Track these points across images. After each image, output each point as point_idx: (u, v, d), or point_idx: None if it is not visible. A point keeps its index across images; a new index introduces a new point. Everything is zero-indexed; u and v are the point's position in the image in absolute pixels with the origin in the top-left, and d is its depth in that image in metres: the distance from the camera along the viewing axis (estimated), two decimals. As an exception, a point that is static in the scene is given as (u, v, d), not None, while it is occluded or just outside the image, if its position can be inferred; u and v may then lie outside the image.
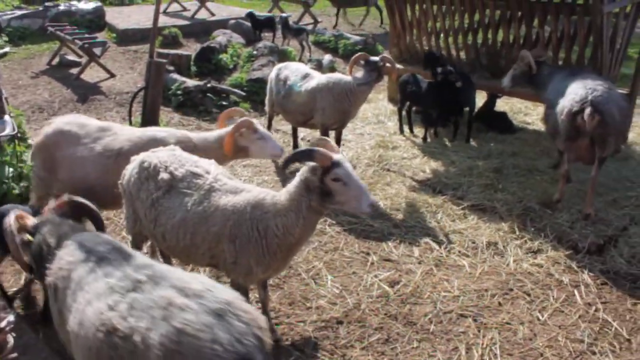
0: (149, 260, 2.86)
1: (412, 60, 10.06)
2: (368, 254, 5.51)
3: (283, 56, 11.56)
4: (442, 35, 9.58)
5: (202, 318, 2.35)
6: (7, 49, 13.14)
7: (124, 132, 5.09)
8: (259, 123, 5.18)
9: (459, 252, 5.45)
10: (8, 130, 6.66)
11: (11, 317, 1.72)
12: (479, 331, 4.48)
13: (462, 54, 9.40)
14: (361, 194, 3.48)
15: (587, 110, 5.59)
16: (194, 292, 2.47)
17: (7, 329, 1.70)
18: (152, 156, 4.20)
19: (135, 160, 4.30)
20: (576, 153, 6.07)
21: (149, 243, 5.02)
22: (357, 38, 13.93)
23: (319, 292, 4.96)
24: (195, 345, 2.27)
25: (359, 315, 4.64)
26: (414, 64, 9.87)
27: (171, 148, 4.39)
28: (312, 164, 3.50)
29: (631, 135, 8.38)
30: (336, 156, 3.51)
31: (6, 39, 13.69)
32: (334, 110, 6.85)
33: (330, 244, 5.69)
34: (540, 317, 4.65)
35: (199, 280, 2.61)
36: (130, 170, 4.25)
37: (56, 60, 12.40)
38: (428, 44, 9.81)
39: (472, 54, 9.20)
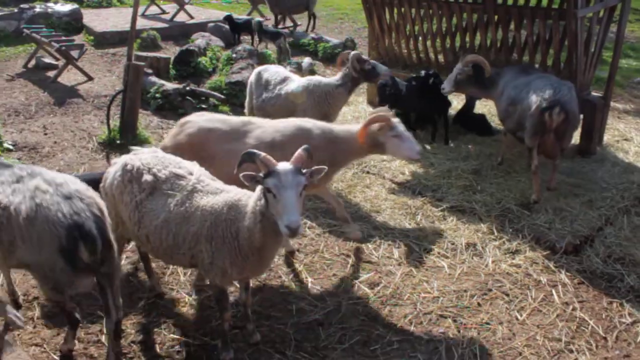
0: (30, 166, 3.90)
1: (391, 63, 10.12)
2: (348, 256, 5.53)
3: (262, 59, 11.55)
4: (420, 38, 9.65)
5: (55, 198, 3.55)
6: (-19, 52, 12.94)
7: (269, 124, 5.16)
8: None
9: (439, 253, 5.49)
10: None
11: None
12: (458, 331, 4.52)
13: (441, 58, 9.48)
14: (284, 211, 3.32)
15: (556, 109, 6.04)
16: (56, 183, 3.64)
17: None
18: (135, 158, 4.19)
19: (117, 163, 4.28)
20: (542, 147, 6.41)
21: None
22: (337, 41, 13.97)
23: (299, 294, 4.96)
24: (46, 214, 3.47)
25: (340, 317, 4.65)
26: (393, 66, 9.92)
27: (153, 150, 4.38)
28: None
29: (606, 137, 8.52)
30: (280, 166, 3.44)
31: (-20, 41, 13.48)
32: (314, 112, 6.86)
33: (311, 246, 5.69)
34: (519, 317, 4.71)
35: (66, 178, 3.74)
36: (112, 173, 4.24)
37: (32, 63, 12.24)
38: (407, 47, 9.88)
39: (451, 57, 9.28)
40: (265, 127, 5.11)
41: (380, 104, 8.79)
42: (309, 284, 5.07)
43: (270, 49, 13.10)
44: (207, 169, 4.88)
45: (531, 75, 6.83)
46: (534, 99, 6.24)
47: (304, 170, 3.50)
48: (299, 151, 3.59)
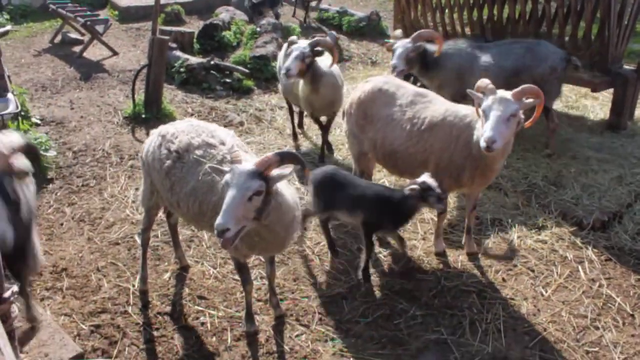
0: None
1: (417, 36, 9.96)
2: (372, 230, 5.51)
3: (287, 33, 11.44)
4: (447, 10, 9.46)
5: None
6: (8, 27, 13.01)
7: (436, 103, 4.89)
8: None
9: (464, 228, 5.44)
10: (11, 108, 6.66)
11: (15, 288, 1.75)
12: (482, 306, 4.50)
13: (467, 30, 9.29)
14: (221, 211, 3.23)
15: (577, 62, 6.69)
16: None
17: (11, 299, 1.72)
18: (170, 127, 4.24)
19: (154, 132, 4.34)
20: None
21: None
22: (362, 14, 13.78)
23: (323, 268, 4.98)
24: None
25: (363, 291, 4.67)
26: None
27: (188, 119, 4.42)
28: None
29: (637, 112, 8.32)
30: (241, 165, 3.35)
31: (7, 17, 13.59)
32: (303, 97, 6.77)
33: (335, 220, 5.68)
34: (544, 293, 4.67)
35: None
36: (149, 142, 4.31)
37: (58, 38, 12.33)
38: (433, 19, 9.70)
39: (477, 30, 9.10)
40: (431, 105, 4.86)
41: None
42: (334, 258, 5.08)
43: (292, 21, 12.96)
44: (369, 128, 5.04)
45: (501, 43, 7.06)
46: (548, 62, 6.59)
47: (269, 175, 3.32)
48: (269, 155, 3.34)
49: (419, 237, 5.43)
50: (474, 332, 4.23)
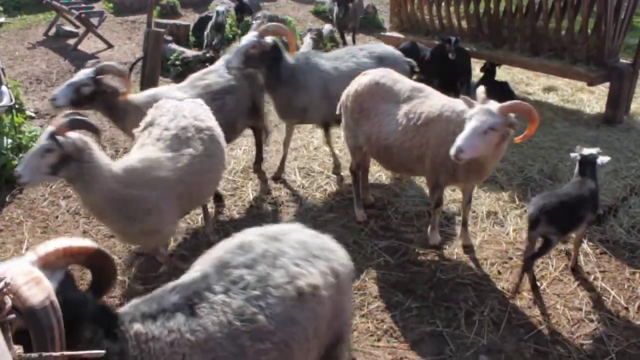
0: None
1: (413, 29, 9.95)
2: (368, 222, 5.51)
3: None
4: (443, 4, 9.44)
5: None
6: (2, 19, 12.98)
7: (433, 98, 4.81)
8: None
9: (459, 221, 5.44)
10: (5, 101, 6.60)
11: (7, 279, 1.72)
12: (478, 299, 4.50)
13: (464, 24, 9.28)
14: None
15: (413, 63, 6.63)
16: None
17: (4, 290, 1.70)
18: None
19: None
20: None
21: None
22: (358, 8, 13.73)
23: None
24: None
25: (359, 283, 4.67)
26: (415, 33, 9.76)
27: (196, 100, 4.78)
28: None
29: (633, 106, 8.33)
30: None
31: (1, 9, 13.51)
32: None
33: (330, 213, 5.69)
34: (539, 286, 4.67)
35: None
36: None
37: (53, 30, 12.27)
38: (429, 13, 9.68)
39: (474, 24, 9.09)
40: (427, 100, 4.81)
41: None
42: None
43: (293, 16, 12.93)
44: (364, 122, 5.05)
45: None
46: None
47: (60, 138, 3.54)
48: (61, 119, 3.65)
49: (415, 230, 5.43)
50: (469, 325, 4.24)
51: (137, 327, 2.24)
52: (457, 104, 4.60)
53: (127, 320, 2.26)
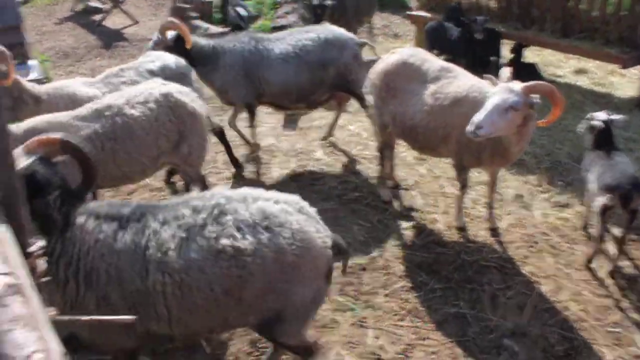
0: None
1: (439, 8, 9.77)
2: (393, 202, 5.48)
3: (309, 3, 11.28)
4: (472, -18, 9.25)
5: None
6: (29, -6, 13.08)
7: (461, 78, 4.74)
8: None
9: (485, 203, 5.38)
10: (35, 75, 6.68)
11: (40, 242, 1.78)
12: (503, 282, 4.47)
13: (493, 3, 9.09)
14: None
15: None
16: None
17: (38, 253, 1.74)
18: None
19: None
20: None
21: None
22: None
23: (343, 238, 4.94)
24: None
25: (383, 263, 4.66)
26: (442, 12, 9.59)
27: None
28: None
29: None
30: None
31: (29, -16, 13.59)
32: None
33: (355, 192, 5.67)
34: (566, 271, 4.61)
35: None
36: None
37: (80, 6, 12.32)
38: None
39: (504, 3, 8.90)
40: (456, 80, 4.71)
41: (429, 51, 8.58)
42: (354, 229, 5.07)
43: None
44: (390, 101, 5.00)
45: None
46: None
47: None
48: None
49: (440, 210, 5.38)
50: (493, 307, 4.21)
51: (84, 218, 2.85)
52: (484, 85, 4.53)
53: (82, 210, 2.89)
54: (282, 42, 6.01)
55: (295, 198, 3.08)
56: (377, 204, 5.46)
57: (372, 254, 4.76)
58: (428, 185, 5.80)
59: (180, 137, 4.42)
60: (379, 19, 12.20)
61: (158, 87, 4.42)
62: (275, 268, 2.85)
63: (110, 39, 10.45)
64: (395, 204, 5.47)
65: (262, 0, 12.14)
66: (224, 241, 2.78)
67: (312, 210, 3.11)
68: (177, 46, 5.63)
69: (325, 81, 6.06)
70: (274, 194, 3.05)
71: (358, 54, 6.20)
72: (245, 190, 3.07)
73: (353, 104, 6.90)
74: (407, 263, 4.66)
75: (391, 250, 4.80)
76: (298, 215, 2.95)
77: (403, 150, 6.34)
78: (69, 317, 1.79)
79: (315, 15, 8.78)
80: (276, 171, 6.10)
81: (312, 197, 5.55)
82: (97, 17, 11.67)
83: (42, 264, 1.87)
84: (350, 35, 6.28)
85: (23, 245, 1.80)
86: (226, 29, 9.75)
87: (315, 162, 6.27)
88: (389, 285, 4.42)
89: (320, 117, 7.24)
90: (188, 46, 5.66)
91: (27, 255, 1.79)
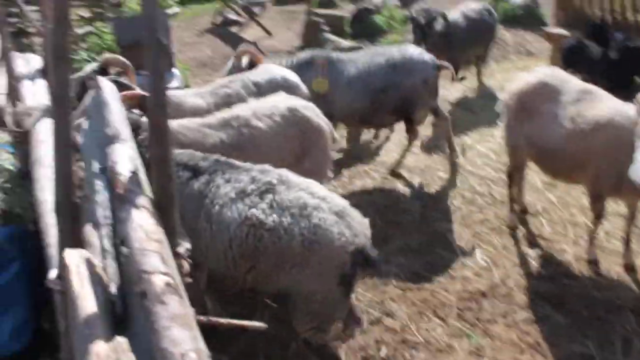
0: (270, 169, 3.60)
1: (578, 24, 9.24)
2: (519, 228, 5.27)
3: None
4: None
5: (331, 217, 3.22)
6: (176, 10, 14.09)
7: (604, 101, 4.51)
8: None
9: (621, 237, 5.01)
10: (177, 83, 7.21)
11: (188, 244, 1.96)
12: (638, 326, 4.13)
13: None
14: None
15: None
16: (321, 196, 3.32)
17: (185, 254, 1.91)
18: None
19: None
20: None
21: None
22: (519, 0, 13.05)
23: (465, 262, 4.86)
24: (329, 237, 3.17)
25: (506, 290, 4.49)
26: (582, 28, 9.08)
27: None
28: None
29: None
30: None
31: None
32: None
33: (480, 214, 5.52)
34: None
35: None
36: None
37: (219, 19, 13.09)
38: (600, 6, 8.93)
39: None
40: (597, 104, 4.45)
41: (564, 69, 8.16)
42: (477, 253, 4.94)
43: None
44: (526, 122, 4.85)
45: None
46: None
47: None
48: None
49: (569, 240, 5.09)
50: (626, 352, 3.90)
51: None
52: (630, 109, 4.23)
53: None
54: (352, 65, 5.96)
55: (342, 202, 3.38)
56: (503, 228, 5.28)
57: (494, 280, 4.61)
58: (557, 212, 5.51)
59: (303, 152, 4.46)
60: (511, 35, 11.80)
61: (284, 100, 4.52)
62: (286, 251, 3.19)
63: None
64: (522, 230, 5.25)
65: (393, 15, 12.21)
66: (253, 211, 3.21)
67: (356, 218, 3.35)
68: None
69: (386, 105, 5.93)
70: (322, 191, 3.39)
71: (430, 78, 5.94)
72: (300, 179, 3.44)
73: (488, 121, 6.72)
74: (531, 293, 4.46)
75: (514, 278, 4.62)
76: (327, 214, 3.22)
77: (532, 175, 6.08)
78: (207, 318, 1.93)
79: (416, 37, 7.99)
80: (400, 188, 6.09)
81: (432, 216, 5.50)
82: (234, 29, 12.35)
83: (187, 265, 2.03)
84: (425, 58, 5.98)
85: (172, 246, 1.96)
86: (356, 44, 9.88)
87: (439, 180, 6.19)
88: (510, 314, 4.25)
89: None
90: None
91: (175, 256, 1.95)
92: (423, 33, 7.91)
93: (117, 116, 2.09)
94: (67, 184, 1.80)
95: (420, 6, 11.54)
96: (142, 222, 1.48)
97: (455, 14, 8.49)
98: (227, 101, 4.83)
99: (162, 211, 1.90)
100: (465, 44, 8.39)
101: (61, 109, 1.59)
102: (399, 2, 13.28)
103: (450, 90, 8.46)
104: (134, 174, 1.55)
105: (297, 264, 3.22)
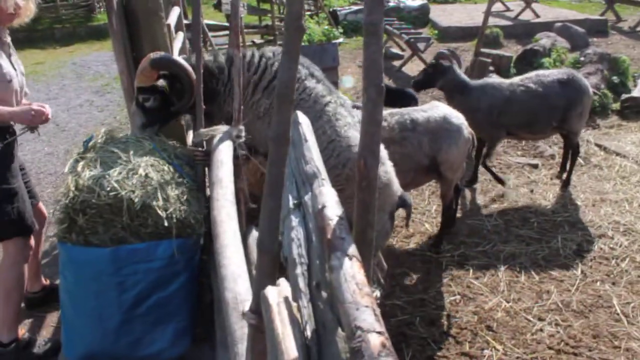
0: None
1: None
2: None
3: (615, 64, 10.48)
4: None
5: None
6: (341, 40, 14.62)
7: None
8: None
9: None
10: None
11: (378, 292, 1.90)
12: None
13: None
14: None
15: None
16: None
17: (378, 301, 1.85)
18: None
19: None
20: None
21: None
22: None
23: (631, 331, 4.42)
24: None
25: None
26: None
27: None
28: None
29: None
30: None
31: (341, 30, 15.23)
32: None
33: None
34: None
35: None
36: None
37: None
38: None
39: None
40: None
41: None
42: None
43: (627, 54, 11.82)
44: None
45: None
46: None
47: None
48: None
49: None
50: None
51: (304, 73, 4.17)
52: None
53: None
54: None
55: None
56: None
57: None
58: None
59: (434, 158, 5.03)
60: None
61: (438, 109, 5.10)
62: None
63: (405, 84, 11.09)
64: None
65: (562, 57, 11.65)
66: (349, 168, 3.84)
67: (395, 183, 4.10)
68: None
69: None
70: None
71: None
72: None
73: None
74: None
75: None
76: (388, 167, 4.07)
77: None
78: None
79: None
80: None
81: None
82: (396, 63, 12.51)
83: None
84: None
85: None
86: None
87: (607, 240, 5.73)
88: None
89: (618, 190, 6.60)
90: None
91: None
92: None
93: (316, 153, 2.08)
94: (272, 221, 1.80)
95: (594, 50, 10.97)
96: (354, 273, 1.45)
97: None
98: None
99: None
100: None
101: (280, 148, 1.65)
102: (569, 45, 12.65)
103: None
104: (341, 219, 1.55)
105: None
